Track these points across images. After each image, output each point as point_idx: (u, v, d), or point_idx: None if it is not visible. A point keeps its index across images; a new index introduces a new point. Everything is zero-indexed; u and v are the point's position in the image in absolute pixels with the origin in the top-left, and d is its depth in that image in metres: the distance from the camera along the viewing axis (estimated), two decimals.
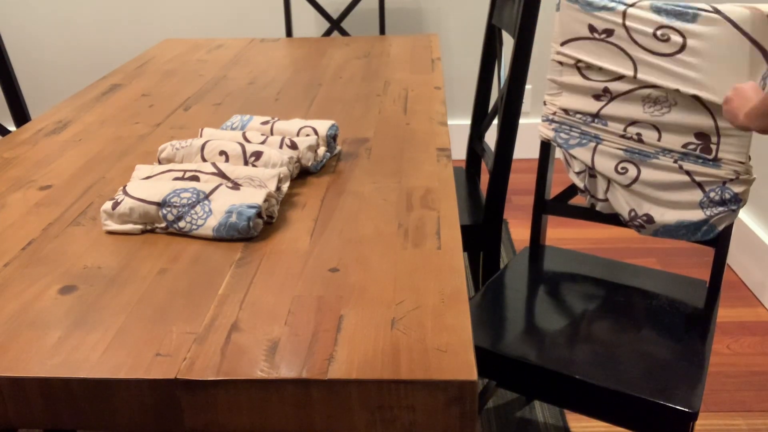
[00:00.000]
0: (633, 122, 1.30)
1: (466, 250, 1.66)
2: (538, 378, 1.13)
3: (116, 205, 0.90)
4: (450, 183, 1.02)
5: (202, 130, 1.14)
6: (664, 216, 1.31)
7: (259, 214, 0.89)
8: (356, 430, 0.65)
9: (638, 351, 1.15)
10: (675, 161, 1.27)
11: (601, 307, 1.28)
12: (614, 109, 1.31)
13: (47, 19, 3.06)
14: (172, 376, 0.64)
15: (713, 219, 1.26)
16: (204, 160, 1.05)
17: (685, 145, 1.26)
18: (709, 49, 1.21)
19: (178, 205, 0.89)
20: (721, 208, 1.25)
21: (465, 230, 1.57)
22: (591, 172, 1.38)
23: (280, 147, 1.07)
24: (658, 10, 1.25)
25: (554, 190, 2.77)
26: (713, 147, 1.23)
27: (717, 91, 1.21)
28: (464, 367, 0.63)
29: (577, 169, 1.39)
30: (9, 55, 3.11)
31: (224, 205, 0.89)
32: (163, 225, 0.90)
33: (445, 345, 0.66)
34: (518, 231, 2.52)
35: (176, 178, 0.97)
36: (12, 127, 3.15)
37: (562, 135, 1.38)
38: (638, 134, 1.29)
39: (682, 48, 1.23)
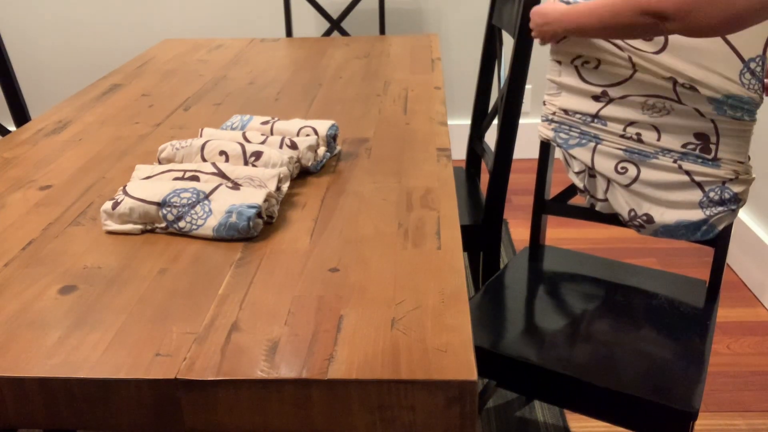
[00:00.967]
0: (632, 122, 1.30)
1: (466, 250, 1.66)
2: (538, 378, 1.13)
3: (116, 205, 0.90)
4: (450, 183, 1.02)
5: (202, 130, 1.14)
6: (664, 216, 1.31)
7: (259, 214, 0.89)
8: (356, 430, 0.65)
9: (638, 351, 1.16)
10: (674, 161, 1.27)
11: (600, 307, 1.28)
12: (613, 110, 1.31)
13: (47, 20, 3.06)
14: (172, 376, 0.64)
15: (713, 219, 1.26)
16: (204, 160, 1.05)
17: (684, 145, 1.26)
18: (689, 46, 1.21)
19: (178, 205, 0.89)
20: (720, 208, 1.25)
21: (465, 230, 1.57)
22: (590, 172, 1.38)
23: (280, 147, 1.07)
24: None
25: (554, 190, 2.77)
26: (712, 147, 1.23)
27: (708, 84, 1.21)
28: (464, 367, 0.63)
29: (576, 169, 1.39)
30: (9, 55, 3.11)
31: (224, 205, 0.89)
32: (163, 225, 0.90)
33: (445, 345, 0.66)
34: (518, 231, 2.52)
35: (176, 178, 0.97)
36: (12, 127, 3.15)
37: (561, 135, 1.38)
38: (638, 134, 1.29)
39: (664, 46, 1.23)
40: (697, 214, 1.28)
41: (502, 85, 1.60)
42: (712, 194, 1.25)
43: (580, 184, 1.40)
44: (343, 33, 2.62)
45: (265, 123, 1.18)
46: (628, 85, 1.29)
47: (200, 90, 1.58)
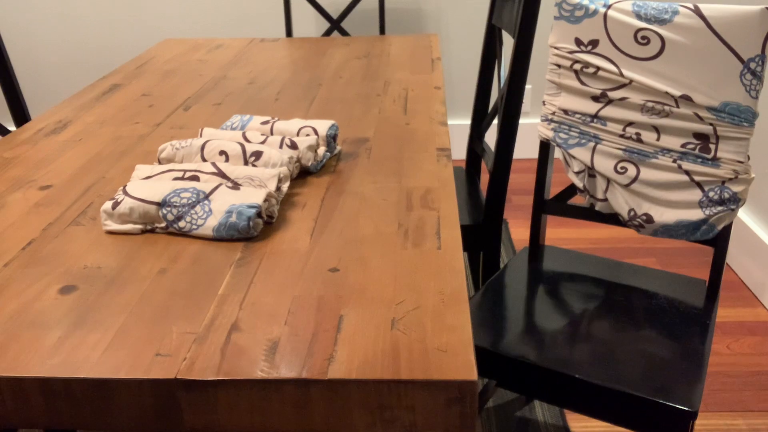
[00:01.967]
0: (631, 123, 1.30)
1: (466, 250, 1.66)
2: (538, 378, 1.13)
3: (116, 205, 0.90)
4: (450, 183, 1.02)
5: (202, 130, 1.14)
6: (664, 216, 1.31)
7: (259, 214, 0.89)
8: (356, 430, 0.65)
9: (638, 350, 1.16)
10: (674, 161, 1.27)
11: (600, 307, 1.28)
12: (612, 111, 1.31)
13: (47, 19, 3.06)
14: (172, 376, 0.64)
15: (712, 218, 1.26)
16: (204, 160, 1.05)
17: (684, 145, 1.26)
18: (687, 50, 1.22)
19: (178, 205, 0.89)
20: (720, 208, 1.25)
21: (465, 230, 1.57)
22: (590, 171, 1.38)
23: (280, 147, 1.07)
24: (637, 11, 1.26)
25: (554, 189, 2.77)
26: (712, 147, 1.23)
27: (704, 92, 1.21)
28: (464, 367, 0.63)
29: (576, 169, 1.39)
30: (9, 55, 3.11)
31: (224, 205, 0.89)
32: (163, 225, 0.90)
33: (445, 345, 0.66)
34: (518, 231, 2.52)
35: (176, 178, 0.97)
36: (12, 127, 3.15)
37: (561, 135, 1.38)
38: (637, 134, 1.30)
39: (662, 50, 1.24)
40: (696, 214, 1.28)
41: (502, 85, 1.60)
42: (711, 194, 1.25)
43: (579, 184, 1.40)
44: (343, 33, 2.62)
45: (265, 123, 1.18)
46: (627, 90, 1.30)
47: (200, 90, 1.58)
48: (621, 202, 1.35)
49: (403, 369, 0.64)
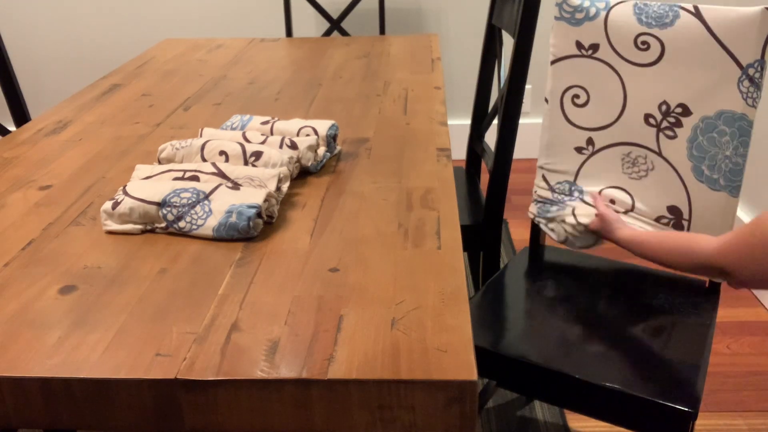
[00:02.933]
0: (609, 186, 1.34)
1: (466, 250, 1.66)
2: (538, 378, 1.13)
3: (116, 205, 0.90)
4: (450, 183, 1.02)
5: (202, 130, 1.14)
6: None
7: (259, 214, 0.89)
8: (356, 430, 0.65)
9: (638, 351, 1.16)
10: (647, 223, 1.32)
11: (600, 307, 1.28)
12: (594, 166, 1.34)
13: (47, 19, 3.06)
14: (172, 376, 0.64)
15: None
16: (204, 160, 1.05)
17: (657, 219, 1.31)
18: (686, 56, 1.22)
19: (178, 205, 0.89)
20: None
21: (465, 230, 1.57)
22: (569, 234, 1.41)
23: (280, 147, 1.07)
24: (638, 14, 1.26)
25: None
26: (684, 224, 1.26)
27: (700, 100, 1.22)
28: (464, 367, 0.63)
29: (555, 238, 1.41)
30: (9, 55, 3.11)
31: (224, 205, 0.89)
32: (163, 225, 0.90)
33: (445, 345, 0.66)
34: (518, 231, 2.52)
35: (176, 178, 0.97)
36: (12, 127, 3.15)
37: (543, 208, 1.43)
38: (612, 201, 1.35)
39: (661, 56, 1.24)
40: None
41: (502, 85, 1.60)
42: None
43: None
44: (343, 33, 2.62)
45: (265, 123, 1.18)
46: (615, 129, 1.31)
47: (200, 90, 1.58)
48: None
49: (403, 369, 0.64)
